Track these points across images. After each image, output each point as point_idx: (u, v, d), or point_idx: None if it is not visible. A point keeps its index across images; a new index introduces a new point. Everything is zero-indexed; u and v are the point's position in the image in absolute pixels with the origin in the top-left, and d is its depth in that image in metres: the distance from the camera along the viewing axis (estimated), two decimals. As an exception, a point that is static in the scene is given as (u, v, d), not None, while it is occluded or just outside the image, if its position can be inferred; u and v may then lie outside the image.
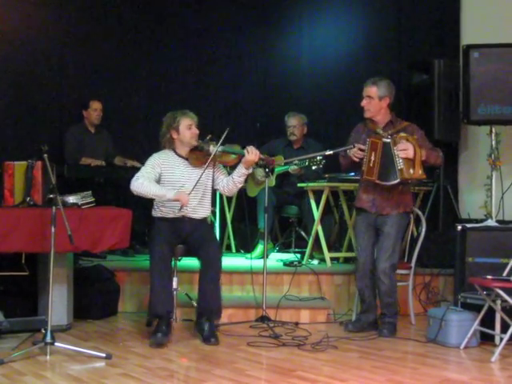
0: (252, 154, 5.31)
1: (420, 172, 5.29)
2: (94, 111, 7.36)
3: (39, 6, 7.41)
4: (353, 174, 6.43)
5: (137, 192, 5.30)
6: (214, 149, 5.34)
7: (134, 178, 5.32)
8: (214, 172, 5.47)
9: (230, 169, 5.74)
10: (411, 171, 5.26)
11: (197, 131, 5.44)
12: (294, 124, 7.25)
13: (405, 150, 5.24)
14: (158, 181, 5.38)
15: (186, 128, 5.40)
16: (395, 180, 5.32)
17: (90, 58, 7.66)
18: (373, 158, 5.33)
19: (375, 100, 5.51)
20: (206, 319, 5.25)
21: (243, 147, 5.40)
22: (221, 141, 5.31)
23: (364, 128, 5.63)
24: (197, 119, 5.47)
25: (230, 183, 5.44)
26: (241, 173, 5.38)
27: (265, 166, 5.88)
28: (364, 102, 5.54)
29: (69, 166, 6.97)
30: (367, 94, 5.54)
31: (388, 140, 5.31)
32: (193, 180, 5.37)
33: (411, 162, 5.25)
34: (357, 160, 5.45)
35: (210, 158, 5.34)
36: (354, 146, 5.45)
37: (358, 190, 5.70)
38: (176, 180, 5.38)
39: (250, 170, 5.45)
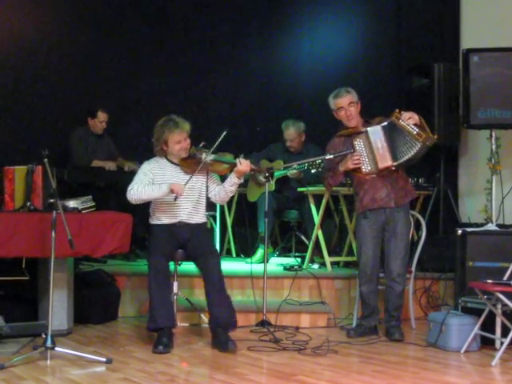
0: (243, 164, 5.31)
1: (430, 132, 5.32)
2: (100, 123, 7.32)
3: (44, 11, 7.43)
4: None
5: (135, 200, 5.30)
6: (205, 157, 5.34)
7: (129, 189, 5.31)
8: (207, 179, 5.47)
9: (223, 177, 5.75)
10: (425, 132, 5.27)
11: (186, 144, 5.38)
12: (292, 138, 7.25)
13: (411, 117, 5.29)
14: None
15: (175, 143, 5.35)
16: (414, 149, 5.26)
17: (92, 62, 7.66)
18: (379, 145, 5.35)
19: (356, 105, 5.55)
20: (221, 329, 5.18)
21: (235, 157, 5.40)
22: (213, 147, 5.30)
23: (342, 140, 5.61)
24: (189, 128, 5.38)
25: (222, 192, 5.43)
26: (232, 182, 5.38)
27: (265, 171, 5.90)
28: (353, 110, 5.52)
29: (69, 170, 6.97)
30: (350, 101, 5.53)
31: (386, 121, 5.34)
32: (186, 185, 5.36)
33: (421, 127, 5.28)
34: (357, 167, 5.45)
35: (200, 165, 5.32)
36: (354, 150, 5.46)
37: (364, 192, 5.56)
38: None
39: (242, 180, 5.44)
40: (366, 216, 5.58)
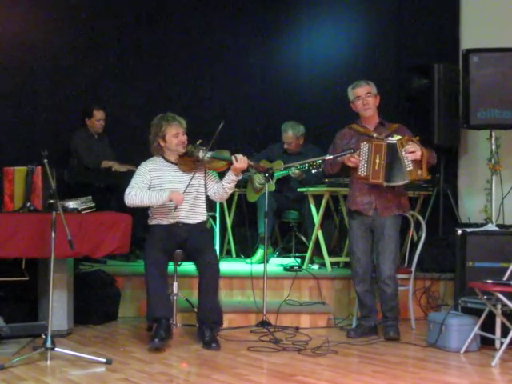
0: (240, 161, 5.31)
1: (426, 172, 5.37)
2: (98, 121, 7.32)
3: (44, 12, 7.44)
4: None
5: (132, 205, 5.31)
6: (203, 155, 5.33)
7: (127, 192, 5.32)
8: (205, 177, 5.47)
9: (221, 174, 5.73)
10: (419, 172, 5.32)
11: (184, 139, 5.40)
12: (289, 141, 7.27)
13: (413, 152, 5.28)
14: (149, 188, 5.37)
15: (173, 137, 5.37)
16: (404, 181, 5.35)
17: (92, 62, 7.66)
18: (378, 161, 5.34)
19: (374, 97, 5.58)
20: (207, 326, 5.23)
21: (232, 154, 5.39)
22: (211, 142, 5.30)
23: (351, 133, 5.63)
24: (185, 124, 5.41)
25: (221, 190, 5.43)
26: (230, 179, 5.38)
27: (265, 171, 5.92)
28: (370, 100, 5.55)
29: (69, 171, 6.97)
30: (367, 91, 5.56)
31: (393, 141, 5.33)
32: (184, 184, 5.36)
33: (419, 163, 5.30)
34: (353, 166, 5.45)
35: (199, 164, 5.32)
36: (354, 151, 5.45)
37: (352, 192, 5.65)
38: (166, 185, 5.37)
39: (240, 177, 5.44)
40: (353, 217, 5.63)
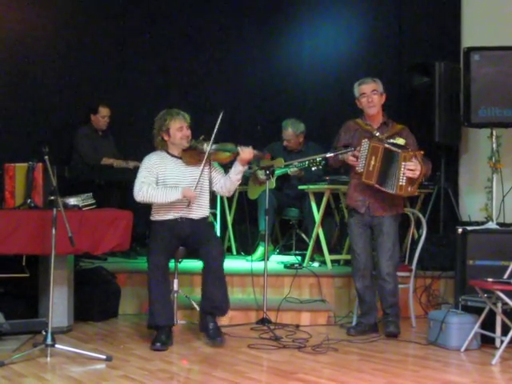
0: (246, 151, 5.30)
1: (416, 188, 5.36)
2: (103, 118, 7.33)
3: (47, 7, 7.45)
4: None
5: (143, 201, 5.29)
6: (207, 147, 5.32)
7: (137, 189, 5.29)
8: (210, 172, 5.46)
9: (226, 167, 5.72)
10: (409, 189, 5.29)
11: (188, 133, 5.41)
12: (288, 138, 7.28)
13: (413, 170, 5.22)
14: (157, 182, 5.38)
15: (177, 130, 5.38)
16: (391, 191, 5.32)
17: (93, 59, 7.66)
18: (373, 162, 5.31)
19: (380, 95, 5.56)
20: (211, 316, 5.20)
21: (236, 145, 5.38)
22: (214, 132, 5.27)
23: (356, 127, 5.62)
24: (189, 119, 5.43)
25: (228, 182, 5.42)
26: (238, 170, 5.36)
27: (265, 169, 5.93)
28: (375, 98, 5.53)
29: (70, 167, 6.97)
30: (373, 88, 5.55)
31: (396, 150, 5.27)
32: (188, 178, 5.36)
33: (413, 181, 5.27)
34: (353, 164, 5.44)
35: (205, 156, 5.31)
36: (355, 149, 5.45)
37: (349, 187, 5.68)
38: (170, 179, 5.36)
39: (246, 167, 5.44)
40: (351, 214, 5.65)
